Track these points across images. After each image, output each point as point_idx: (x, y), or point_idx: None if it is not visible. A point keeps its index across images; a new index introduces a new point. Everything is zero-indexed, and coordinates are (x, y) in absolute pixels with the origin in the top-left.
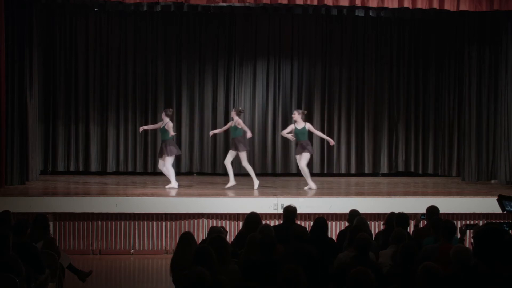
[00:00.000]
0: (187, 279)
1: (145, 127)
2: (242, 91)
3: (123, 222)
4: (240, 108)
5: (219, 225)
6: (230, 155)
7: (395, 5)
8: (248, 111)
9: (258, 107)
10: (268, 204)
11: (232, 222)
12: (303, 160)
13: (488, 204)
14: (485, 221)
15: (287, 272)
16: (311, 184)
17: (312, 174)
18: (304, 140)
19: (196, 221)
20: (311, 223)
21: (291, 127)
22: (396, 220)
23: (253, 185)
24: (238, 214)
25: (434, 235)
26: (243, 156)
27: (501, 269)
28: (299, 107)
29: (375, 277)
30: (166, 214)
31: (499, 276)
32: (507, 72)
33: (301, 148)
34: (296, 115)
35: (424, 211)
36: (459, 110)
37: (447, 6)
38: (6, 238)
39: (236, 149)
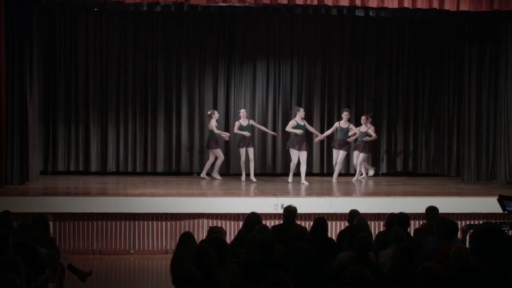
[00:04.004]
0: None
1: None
2: (242, 91)
3: (123, 222)
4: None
5: (219, 225)
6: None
7: (395, 5)
8: (248, 111)
9: (258, 107)
10: (268, 204)
11: (232, 222)
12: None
13: (488, 204)
14: (485, 221)
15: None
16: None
17: (312, 174)
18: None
19: (196, 221)
20: (311, 223)
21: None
22: (396, 221)
23: (252, 185)
24: (238, 214)
25: (438, 235)
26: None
27: (501, 269)
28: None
29: (373, 276)
30: (166, 214)
31: (501, 277)
32: (507, 72)
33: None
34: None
35: (424, 211)
36: (459, 109)
37: (447, 6)
38: (6, 238)
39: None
